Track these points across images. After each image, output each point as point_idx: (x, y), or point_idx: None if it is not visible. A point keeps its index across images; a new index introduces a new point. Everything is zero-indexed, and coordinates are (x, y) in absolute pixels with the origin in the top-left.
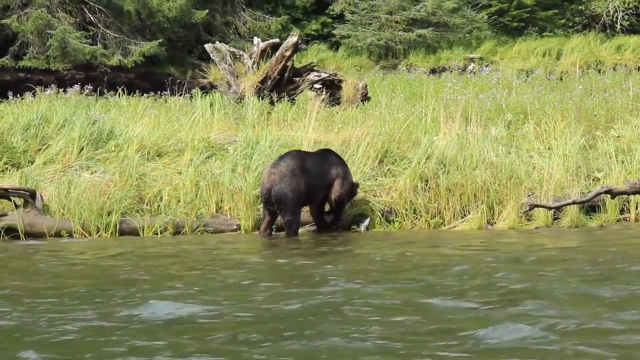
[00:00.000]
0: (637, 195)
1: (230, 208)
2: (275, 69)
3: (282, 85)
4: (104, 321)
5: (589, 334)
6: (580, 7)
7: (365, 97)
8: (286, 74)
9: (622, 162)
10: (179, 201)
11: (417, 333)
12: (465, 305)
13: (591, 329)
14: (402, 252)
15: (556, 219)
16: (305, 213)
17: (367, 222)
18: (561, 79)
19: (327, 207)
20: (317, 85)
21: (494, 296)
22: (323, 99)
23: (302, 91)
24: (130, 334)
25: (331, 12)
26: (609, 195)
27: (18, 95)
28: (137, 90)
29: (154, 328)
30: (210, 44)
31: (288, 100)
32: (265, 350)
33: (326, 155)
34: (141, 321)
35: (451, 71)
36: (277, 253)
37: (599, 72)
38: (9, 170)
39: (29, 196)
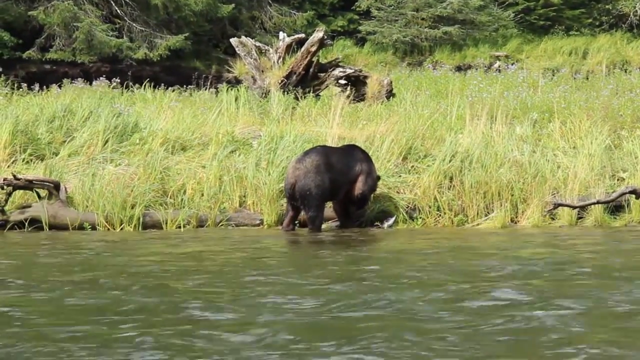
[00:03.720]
0: None
1: (253, 202)
2: (301, 64)
3: (307, 80)
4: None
5: None
6: (607, 7)
7: (390, 94)
8: (311, 70)
9: None
10: (202, 195)
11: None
12: None
13: None
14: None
15: (580, 218)
16: (329, 209)
17: (391, 221)
18: (587, 79)
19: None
20: (342, 81)
21: None
22: (348, 95)
23: (327, 87)
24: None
25: (357, 9)
26: (633, 196)
27: (44, 87)
28: (163, 84)
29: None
30: (235, 38)
31: (313, 96)
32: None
33: (351, 151)
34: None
35: (477, 69)
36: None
37: (625, 72)
38: (34, 162)
39: (53, 188)
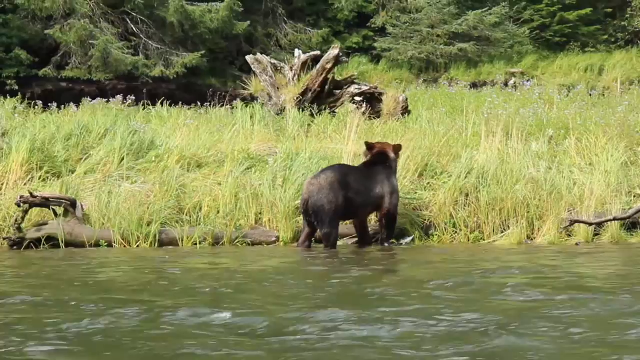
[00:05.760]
0: None
1: (269, 220)
2: (316, 82)
3: (322, 97)
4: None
5: None
6: (623, 23)
7: (405, 111)
8: (327, 87)
9: None
10: (218, 212)
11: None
12: None
13: None
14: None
15: (596, 235)
16: (345, 226)
17: (409, 239)
18: (603, 95)
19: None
20: (357, 98)
21: None
22: (363, 112)
23: (342, 104)
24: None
25: (373, 25)
26: None
27: (61, 105)
28: (179, 102)
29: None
30: (251, 55)
31: (328, 113)
32: None
33: (371, 173)
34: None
35: (492, 85)
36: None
37: None
38: (50, 179)
39: (70, 205)
